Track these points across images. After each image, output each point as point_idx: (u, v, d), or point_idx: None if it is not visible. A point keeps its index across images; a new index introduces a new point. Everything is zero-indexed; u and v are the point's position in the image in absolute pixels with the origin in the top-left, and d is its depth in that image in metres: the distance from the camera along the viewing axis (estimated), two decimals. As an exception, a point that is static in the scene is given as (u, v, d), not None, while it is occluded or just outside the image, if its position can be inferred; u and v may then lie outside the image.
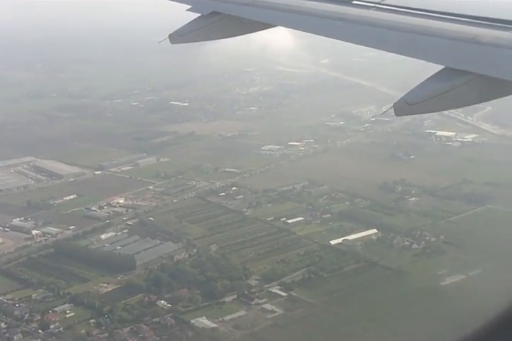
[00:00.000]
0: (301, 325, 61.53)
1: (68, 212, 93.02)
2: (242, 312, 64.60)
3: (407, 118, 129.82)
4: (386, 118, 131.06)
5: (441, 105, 8.04)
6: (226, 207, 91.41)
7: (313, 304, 65.71)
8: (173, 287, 69.49)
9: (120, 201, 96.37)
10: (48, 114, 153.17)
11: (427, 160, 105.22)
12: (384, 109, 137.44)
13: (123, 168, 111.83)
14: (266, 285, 69.48)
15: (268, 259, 75.48)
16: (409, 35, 8.93)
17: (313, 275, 71.02)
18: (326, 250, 76.85)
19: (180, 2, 12.92)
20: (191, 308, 65.85)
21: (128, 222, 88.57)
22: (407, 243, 76.99)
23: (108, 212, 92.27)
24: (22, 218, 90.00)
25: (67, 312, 66.30)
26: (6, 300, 68.24)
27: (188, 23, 11.90)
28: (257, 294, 68.04)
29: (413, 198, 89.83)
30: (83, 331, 62.22)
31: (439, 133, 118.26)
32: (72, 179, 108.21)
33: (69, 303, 67.82)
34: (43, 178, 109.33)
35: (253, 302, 66.28)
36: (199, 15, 11.87)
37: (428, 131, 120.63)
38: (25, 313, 65.46)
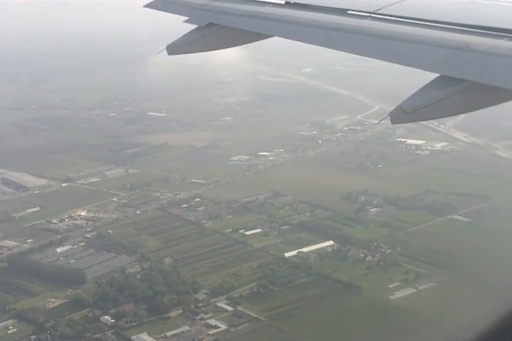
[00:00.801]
0: (242, 341, 60.45)
1: (29, 224, 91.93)
2: (185, 328, 63.58)
3: (380, 127, 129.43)
4: (359, 128, 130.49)
5: (437, 113, 8.08)
6: (186, 219, 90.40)
7: (258, 319, 64.63)
8: (120, 302, 68.45)
9: (82, 213, 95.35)
10: (25, 125, 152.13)
11: (394, 169, 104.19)
12: (358, 117, 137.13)
13: (90, 180, 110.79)
14: (213, 300, 68.42)
15: (220, 273, 74.39)
16: (404, 44, 8.93)
17: (262, 289, 69.94)
18: (279, 263, 75.74)
19: (177, 14, 12.99)
20: (135, 324, 64.83)
21: (86, 235, 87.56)
22: (362, 255, 75.78)
23: (68, 225, 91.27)
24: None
25: (10, 328, 65.33)
26: None
27: (185, 35, 12.03)
28: (203, 309, 67.01)
29: (374, 209, 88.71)
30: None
31: (409, 141, 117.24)
32: (38, 191, 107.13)
33: (13, 319, 66.81)
34: (10, 191, 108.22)
35: (198, 317, 65.21)
36: (196, 26, 12.11)
37: (399, 139, 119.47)
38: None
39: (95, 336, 62.86)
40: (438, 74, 8.41)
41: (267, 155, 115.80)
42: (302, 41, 10.48)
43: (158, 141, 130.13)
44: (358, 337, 57.55)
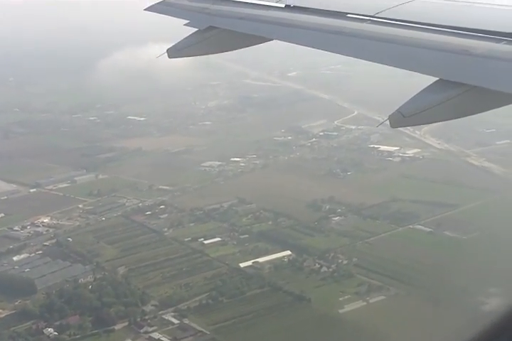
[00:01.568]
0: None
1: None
2: (127, 341, 62.36)
3: (356, 133, 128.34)
4: (335, 133, 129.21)
5: (436, 117, 8.09)
6: (148, 227, 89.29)
7: (203, 332, 63.45)
8: (66, 313, 67.26)
9: (45, 220, 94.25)
10: (5, 129, 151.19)
11: (363, 176, 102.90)
12: (336, 122, 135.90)
13: (60, 186, 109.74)
14: (161, 312, 67.23)
15: (172, 283, 73.24)
16: (403, 48, 9.06)
17: (211, 301, 68.75)
18: (233, 273, 74.55)
19: (178, 17, 13.04)
20: (78, 337, 63.72)
21: (45, 243, 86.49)
22: (318, 266, 74.51)
23: (29, 232, 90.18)
24: None
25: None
26: None
27: (186, 38, 12.07)
28: (149, 321, 65.77)
29: (337, 217, 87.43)
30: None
31: (382, 147, 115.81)
32: (5, 197, 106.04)
33: (-43, 331, 65.60)
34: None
35: (142, 330, 64.07)
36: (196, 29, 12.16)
37: (372, 145, 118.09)
38: None
39: (36, 349, 61.63)
40: (432, 78, 8.37)
41: (238, 161, 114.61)
42: (302, 44, 10.48)
43: (134, 146, 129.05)
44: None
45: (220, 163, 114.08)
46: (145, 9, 14.03)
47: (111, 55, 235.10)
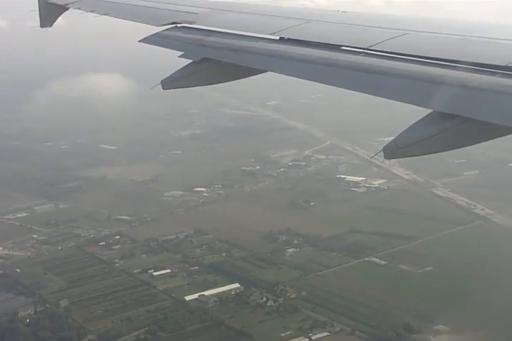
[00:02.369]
0: None
1: None
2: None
3: (325, 163, 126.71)
4: (303, 163, 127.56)
5: (431, 148, 8.01)
6: (99, 258, 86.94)
7: (135, 369, 60.77)
8: (-2, 348, 64.63)
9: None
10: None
11: (325, 207, 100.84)
12: (306, 152, 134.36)
13: (18, 215, 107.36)
14: (95, 347, 64.59)
15: (114, 317, 70.69)
16: (397, 80, 9.05)
17: (150, 335, 66.23)
18: (177, 307, 72.06)
19: (172, 49, 13.03)
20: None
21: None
22: (264, 300, 72.03)
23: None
24: None
25: None
26: None
27: (180, 69, 12.12)
28: (82, 357, 63.13)
29: (292, 249, 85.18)
30: None
31: (349, 178, 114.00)
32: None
33: None
34: None
35: (74, 366, 61.33)
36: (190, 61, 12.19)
37: (339, 176, 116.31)
38: None
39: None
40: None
41: (202, 191, 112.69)
42: (296, 76, 10.46)
43: (99, 175, 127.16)
44: None
45: (183, 192, 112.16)
46: (139, 41, 13.93)
47: (98, 84, 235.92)
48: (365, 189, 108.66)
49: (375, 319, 66.21)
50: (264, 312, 69.72)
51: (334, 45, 10.62)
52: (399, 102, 8.50)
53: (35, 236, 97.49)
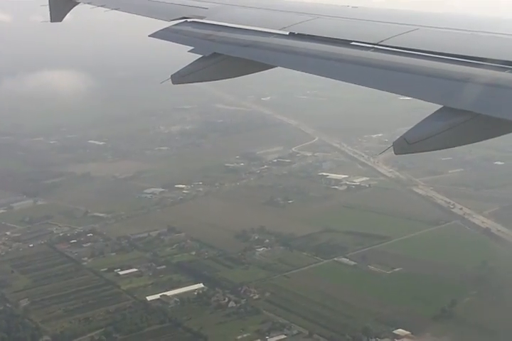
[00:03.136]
0: None
1: None
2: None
3: (309, 160, 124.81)
4: (288, 160, 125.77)
5: (441, 144, 7.77)
6: (68, 256, 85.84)
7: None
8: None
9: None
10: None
11: (303, 205, 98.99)
12: (293, 149, 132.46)
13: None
14: (48, 349, 63.32)
15: (73, 317, 69.58)
16: (406, 75, 8.92)
17: (105, 337, 64.88)
18: (137, 307, 70.65)
19: (182, 44, 12.90)
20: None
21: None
22: (226, 300, 70.48)
23: None
24: None
25: None
26: None
27: (190, 64, 12.02)
28: (34, 358, 61.85)
29: (262, 248, 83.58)
30: None
31: (331, 175, 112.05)
32: None
33: None
34: None
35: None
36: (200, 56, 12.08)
37: (321, 173, 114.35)
38: None
39: None
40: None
41: (183, 187, 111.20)
42: (305, 71, 10.37)
43: (83, 171, 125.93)
44: None
45: (162, 189, 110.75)
46: (149, 36, 13.87)
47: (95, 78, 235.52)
48: (345, 187, 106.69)
49: (336, 322, 64.60)
50: (225, 314, 68.26)
51: (344, 40, 10.59)
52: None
53: (8, 233, 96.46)
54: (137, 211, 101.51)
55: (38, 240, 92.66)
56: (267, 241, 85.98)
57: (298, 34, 11.51)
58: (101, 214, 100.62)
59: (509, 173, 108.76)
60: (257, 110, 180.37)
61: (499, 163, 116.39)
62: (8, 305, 73.40)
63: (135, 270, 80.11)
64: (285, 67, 10.69)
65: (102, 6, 16.95)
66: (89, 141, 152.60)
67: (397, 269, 75.24)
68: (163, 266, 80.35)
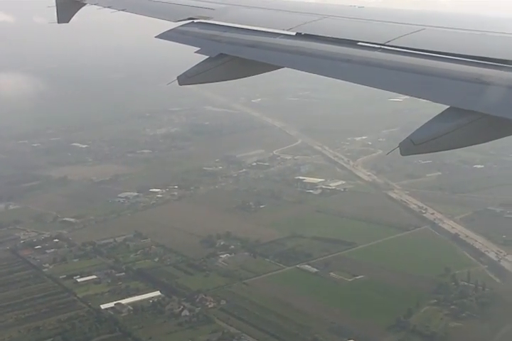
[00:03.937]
0: None
1: None
2: None
3: (288, 163, 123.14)
4: (267, 163, 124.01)
5: (447, 144, 7.84)
6: (29, 263, 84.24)
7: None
8: None
9: None
10: None
11: (275, 210, 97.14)
12: (274, 152, 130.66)
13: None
14: (-8, 359, 61.76)
15: (23, 326, 67.97)
16: (414, 76, 8.94)
17: (51, 347, 63.17)
18: (89, 316, 68.98)
19: (189, 44, 12.98)
20: None
21: None
22: (181, 309, 68.73)
23: None
24: None
25: None
26: None
27: (196, 65, 12.08)
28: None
29: (226, 255, 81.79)
30: None
31: (307, 179, 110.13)
32: None
33: None
34: None
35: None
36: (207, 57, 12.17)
37: (298, 177, 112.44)
38: None
39: None
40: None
41: (157, 191, 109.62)
42: (312, 72, 10.36)
43: (60, 175, 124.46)
44: None
45: (136, 193, 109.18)
46: (156, 36, 13.91)
47: (89, 79, 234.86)
48: (320, 191, 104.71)
49: (287, 331, 62.71)
50: (177, 323, 66.54)
51: (351, 40, 10.54)
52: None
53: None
54: (107, 216, 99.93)
55: (2, 246, 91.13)
56: (232, 247, 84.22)
57: (304, 34, 11.50)
58: (71, 219, 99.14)
59: (486, 177, 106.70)
60: (245, 112, 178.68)
61: (479, 166, 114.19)
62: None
63: (94, 277, 78.48)
64: (292, 68, 10.73)
65: (108, 7, 17.09)
66: (73, 144, 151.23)
67: (358, 277, 73.32)
68: (123, 273, 78.72)
